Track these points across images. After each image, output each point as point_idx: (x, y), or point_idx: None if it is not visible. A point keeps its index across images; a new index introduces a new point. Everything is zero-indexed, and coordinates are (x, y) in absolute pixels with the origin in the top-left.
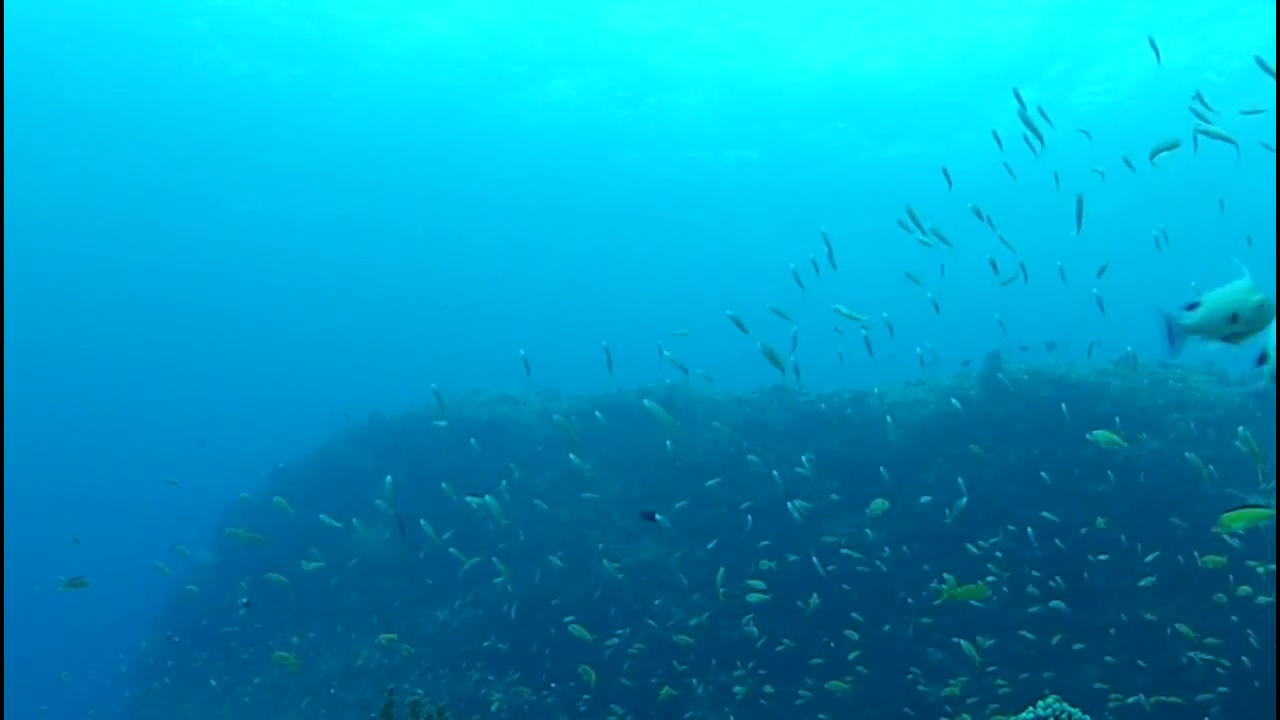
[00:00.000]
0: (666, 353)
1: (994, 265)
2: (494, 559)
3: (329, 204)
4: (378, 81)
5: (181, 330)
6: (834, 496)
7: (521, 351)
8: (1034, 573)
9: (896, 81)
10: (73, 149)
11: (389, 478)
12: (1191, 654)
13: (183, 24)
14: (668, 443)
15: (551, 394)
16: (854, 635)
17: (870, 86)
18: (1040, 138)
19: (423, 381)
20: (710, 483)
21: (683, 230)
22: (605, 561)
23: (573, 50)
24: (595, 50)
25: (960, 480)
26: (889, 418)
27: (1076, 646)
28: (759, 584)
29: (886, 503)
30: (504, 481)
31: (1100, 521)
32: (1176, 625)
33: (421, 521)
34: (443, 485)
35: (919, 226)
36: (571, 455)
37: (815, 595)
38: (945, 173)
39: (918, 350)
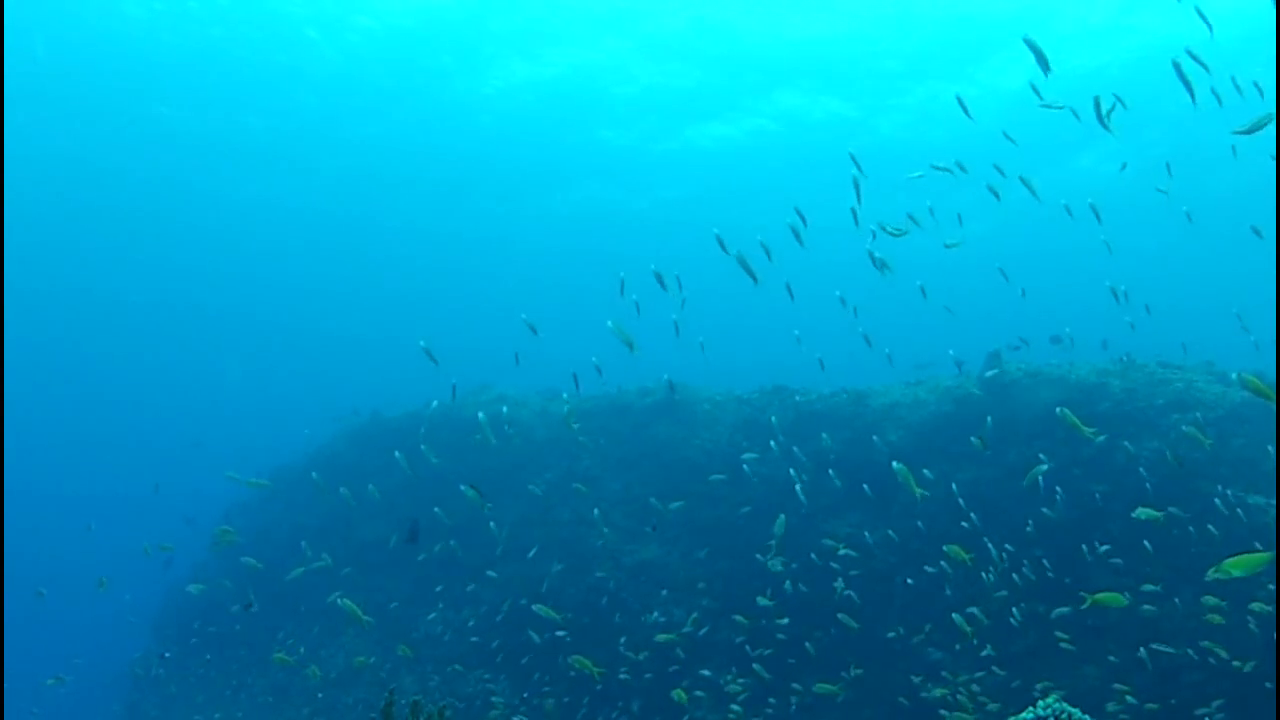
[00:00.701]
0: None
1: (994, 192)
2: (494, 558)
3: (327, 201)
4: (367, 71)
5: (180, 330)
6: (835, 491)
7: (524, 316)
8: (1033, 574)
9: (880, 56)
10: (67, 143)
11: (434, 401)
12: (1190, 652)
13: (124, 9)
14: (666, 377)
15: (552, 394)
16: (853, 623)
17: (854, 59)
18: (1047, 67)
19: (423, 382)
20: (714, 477)
21: (677, 222)
22: (601, 533)
23: (556, 28)
24: (577, 27)
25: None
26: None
27: (1076, 647)
28: (787, 587)
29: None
30: (503, 419)
31: (1157, 515)
32: (1176, 623)
33: (441, 515)
34: (422, 448)
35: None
36: (566, 417)
37: (840, 580)
38: (960, 101)
39: (919, 284)
